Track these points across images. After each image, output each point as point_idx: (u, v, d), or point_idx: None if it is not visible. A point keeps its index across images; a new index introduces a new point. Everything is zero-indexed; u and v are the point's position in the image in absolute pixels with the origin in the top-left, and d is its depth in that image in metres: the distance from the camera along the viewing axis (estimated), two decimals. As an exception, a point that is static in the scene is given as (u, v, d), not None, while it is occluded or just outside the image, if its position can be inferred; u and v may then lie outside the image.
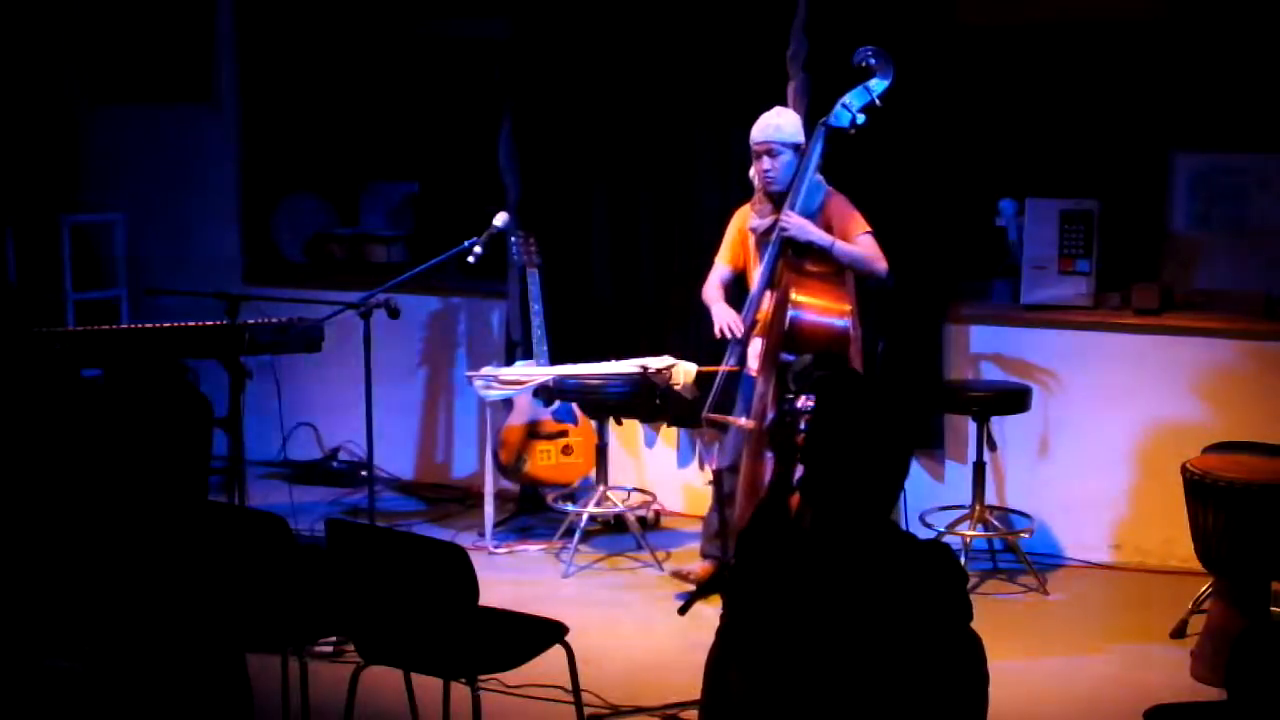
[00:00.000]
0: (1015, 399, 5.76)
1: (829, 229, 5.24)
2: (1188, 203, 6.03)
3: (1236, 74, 5.88)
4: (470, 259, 5.93)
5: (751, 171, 5.40)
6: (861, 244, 5.23)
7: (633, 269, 6.55)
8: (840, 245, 5.19)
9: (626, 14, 6.42)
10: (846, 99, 5.21)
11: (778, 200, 5.31)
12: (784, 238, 5.19)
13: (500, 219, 6.08)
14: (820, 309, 5.12)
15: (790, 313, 5.08)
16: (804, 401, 4.04)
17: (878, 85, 5.21)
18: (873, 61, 5.21)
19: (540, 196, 6.63)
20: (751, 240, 5.47)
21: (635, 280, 6.55)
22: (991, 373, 6.12)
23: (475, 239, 5.93)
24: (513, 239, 6.35)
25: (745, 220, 5.51)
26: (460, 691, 3.93)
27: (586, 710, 4.20)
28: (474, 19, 6.96)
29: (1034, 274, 6.06)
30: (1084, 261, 5.99)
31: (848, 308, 5.14)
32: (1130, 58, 6.06)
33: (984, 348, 6.15)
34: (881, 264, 5.22)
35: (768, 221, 5.31)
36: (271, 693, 4.26)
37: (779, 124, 5.32)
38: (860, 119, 5.22)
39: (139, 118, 7.55)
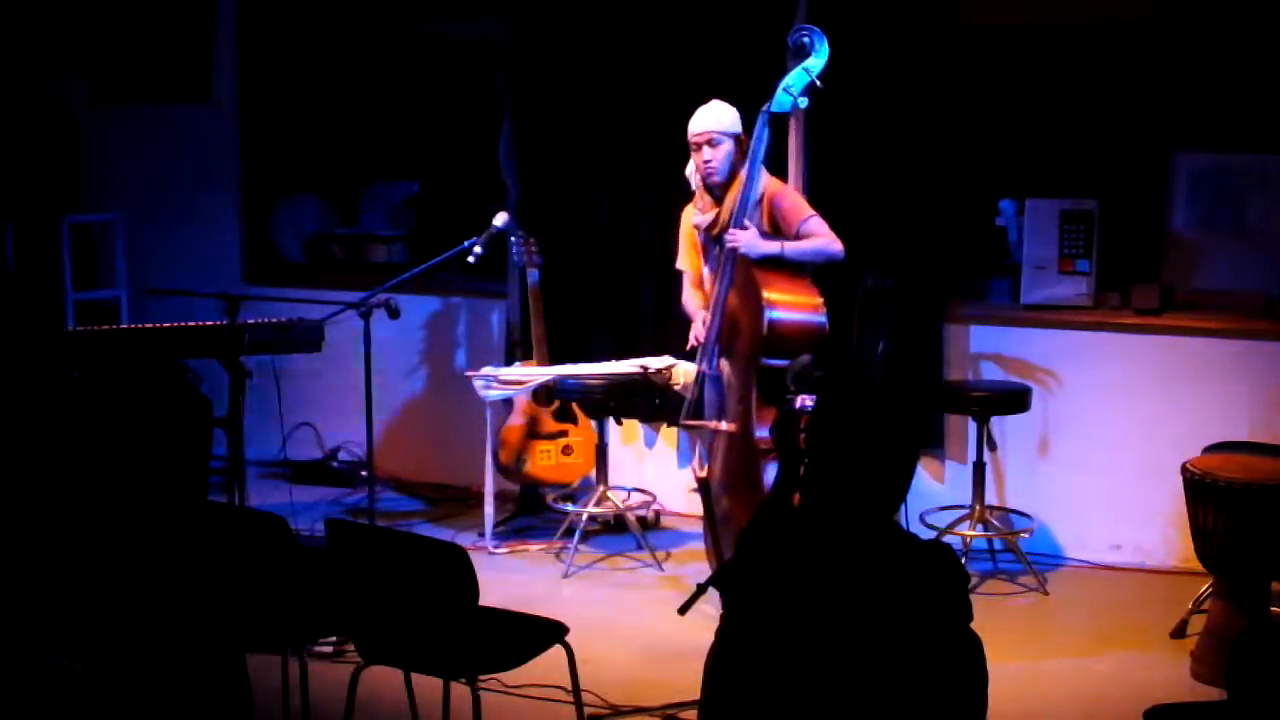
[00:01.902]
0: (1015, 399, 5.76)
1: (772, 219, 5.19)
2: (1188, 203, 6.03)
3: (1236, 74, 5.88)
4: (470, 259, 5.93)
5: (689, 168, 5.36)
6: (809, 229, 5.14)
7: (633, 269, 6.55)
8: (790, 248, 5.12)
9: (627, 13, 6.42)
10: (787, 82, 5.12)
11: (719, 192, 5.28)
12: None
13: (500, 219, 6.08)
14: (795, 305, 5.05)
15: (767, 314, 5.00)
16: (804, 401, 4.03)
17: (815, 65, 5.10)
18: (806, 40, 5.12)
19: (540, 196, 6.63)
20: (698, 237, 5.44)
21: (635, 280, 6.55)
22: (991, 373, 6.12)
23: (475, 239, 5.93)
24: (513, 239, 6.36)
25: (691, 220, 5.47)
26: (460, 691, 3.94)
27: (586, 710, 4.19)
28: (474, 19, 6.96)
29: (1034, 274, 6.06)
30: (1084, 261, 5.99)
31: (819, 300, 5.09)
32: (1130, 58, 6.06)
33: (984, 348, 6.15)
34: (836, 245, 5.13)
35: (710, 217, 5.28)
36: (271, 693, 4.26)
37: (717, 115, 5.28)
38: (802, 102, 5.14)
39: (139, 118, 7.56)
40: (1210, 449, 5.25)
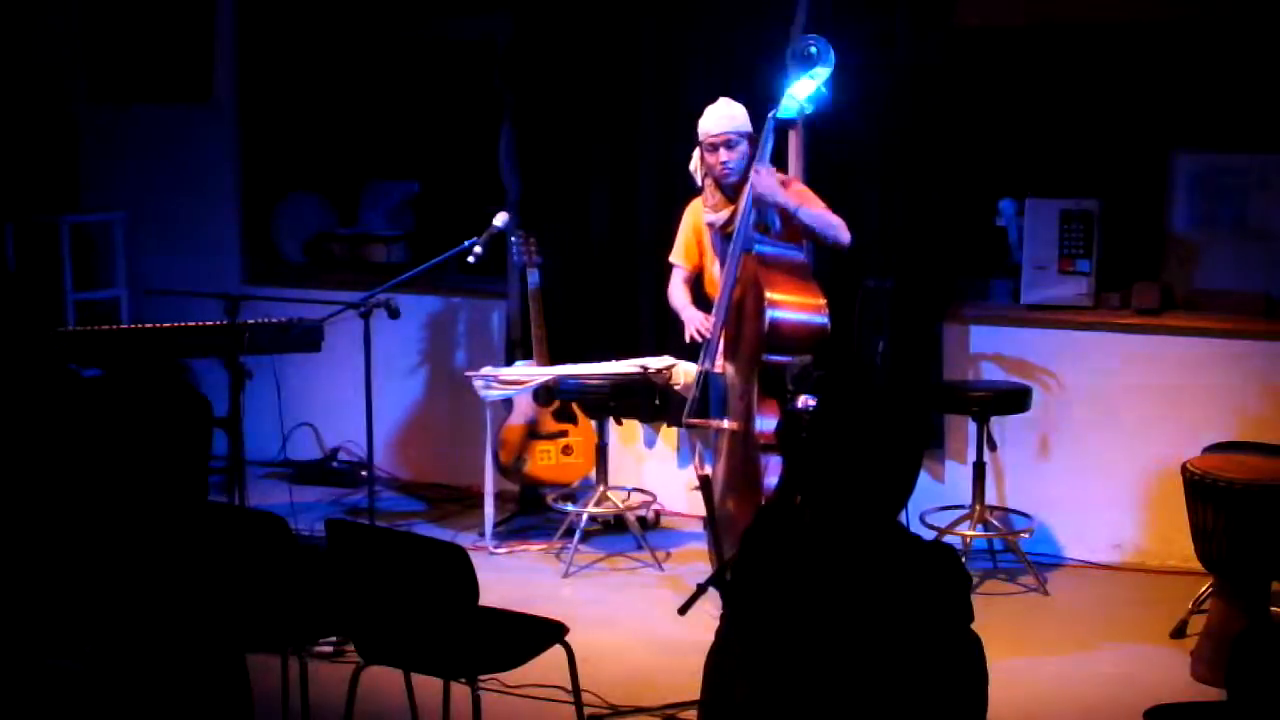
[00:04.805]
0: (1015, 399, 5.76)
1: (786, 213, 5.23)
2: (1188, 203, 6.02)
3: (1236, 74, 5.88)
4: (470, 259, 5.93)
5: (694, 164, 5.44)
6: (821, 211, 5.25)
7: (633, 269, 6.55)
8: (805, 209, 5.20)
9: (626, 14, 6.42)
10: (794, 90, 5.21)
11: (732, 192, 5.33)
12: (753, 194, 5.17)
13: (500, 219, 6.08)
14: (797, 305, 5.08)
15: (768, 314, 5.02)
16: (806, 401, 4.04)
17: (821, 73, 5.21)
18: (814, 50, 5.20)
19: (540, 196, 6.64)
20: (708, 236, 5.49)
21: (635, 280, 6.55)
22: (991, 373, 6.12)
23: (475, 239, 5.93)
24: (513, 239, 6.36)
25: (699, 216, 5.53)
26: (460, 691, 3.94)
27: (586, 710, 4.20)
28: (474, 19, 6.96)
29: (1034, 274, 6.06)
30: (1084, 261, 5.99)
31: (822, 301, 5.12)
32: (1130, 58, 6.06)
33: (984, 348, 6.15)
34: (846, 232, 5.24)
35: (724, 215, 5.33)
36: (271, 693, 4.26)
37: (733, 114, 5.36)
38: (808, 108, 5.26)
39: (139, 118, 7.55)
40: (1210, 449, 5.25)
